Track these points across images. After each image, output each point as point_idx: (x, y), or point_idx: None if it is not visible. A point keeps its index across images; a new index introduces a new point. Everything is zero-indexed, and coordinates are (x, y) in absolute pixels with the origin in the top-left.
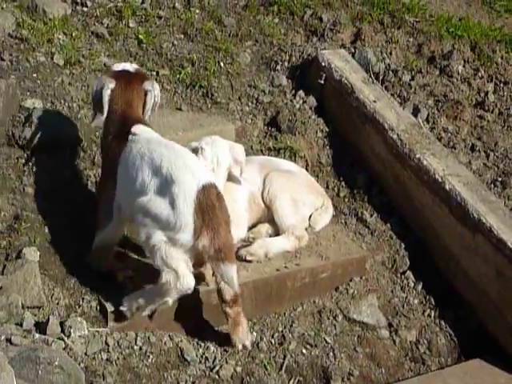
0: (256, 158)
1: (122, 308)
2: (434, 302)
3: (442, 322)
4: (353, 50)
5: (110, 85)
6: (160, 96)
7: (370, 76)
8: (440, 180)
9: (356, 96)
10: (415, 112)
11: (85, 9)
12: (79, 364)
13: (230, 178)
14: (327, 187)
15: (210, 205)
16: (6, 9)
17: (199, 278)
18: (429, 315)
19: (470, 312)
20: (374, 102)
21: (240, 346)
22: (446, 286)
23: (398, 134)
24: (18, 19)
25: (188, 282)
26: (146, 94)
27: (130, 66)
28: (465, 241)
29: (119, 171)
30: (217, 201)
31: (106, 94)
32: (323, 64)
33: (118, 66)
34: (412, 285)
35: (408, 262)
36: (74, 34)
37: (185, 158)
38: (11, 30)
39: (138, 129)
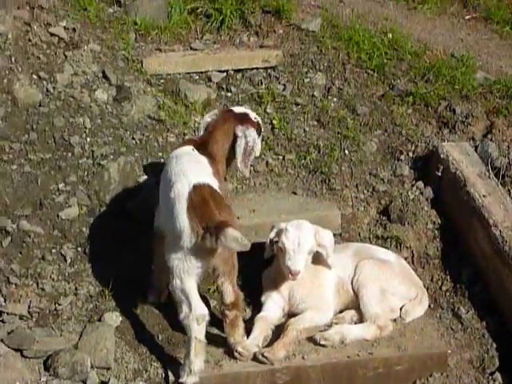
0: (352, 245)
1: (180, 380)
2: None
3: None
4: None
5: (212, 115)
6: (254, 144)
7: (488, 170)
8: None
9: (467, 190)
10: None
11: (229, 94)
12: None
13: (319, 262)
14: (431, 280)
15: (201, 201)
16: (148, 92)
17: (266, 358)
18: None
19: None
20: (484, 196)
21: (237, 348)
22: None
23: (500, 231)
24: (159, 102)
25: (201, 308)
26: (235, 138)
27: (246, 110)
28: None
29: None
30: (210, 196)
31: (204, 121)
32: (442, 156)
33: (239, 109)
34: None
35: (497, 363)
36: None
37: (183, 164)
38: (151, 112)
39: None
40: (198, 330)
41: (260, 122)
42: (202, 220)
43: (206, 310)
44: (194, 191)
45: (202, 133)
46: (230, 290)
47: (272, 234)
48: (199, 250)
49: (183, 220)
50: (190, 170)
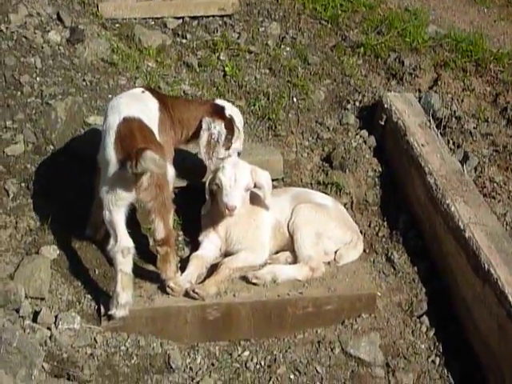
0: (291, 189)
1: (109, 312)
2: (441, 350)
3: (445, 371)
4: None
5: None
6: (220, 137)
7: (429, 121)
8: (462, 227)
9: (407, 139)
10: (464, 159)
11: (184, 41)
12: (62, 354)
13: (257, 203)
14: (369, 226)
15: (128, 133)
16: (102, 35)
17: (197, 294)
18: (433, 361)
19: (477, 365)
20: (422, 145)
21: (169, 283)
22: (458, 335)
23: (435, 179)
24: (112, 45)
25: (126, 241)
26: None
27: (226, 104)
28: (476, 291)
29: None
30: (138, 130)
31: None
32: (385, 106)
33: (220, 101)
34: (424, 330)
35: (425, 307)
36: (165, 63)
37: (121, 99)
38: (104, 55)
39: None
40: (124, 263)
41: (235, 118)
42: (125, 150)
43: (131, 243)
44: (122, 124)
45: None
46: (161, 227)
47: (210, 174)
48: (125, 182)
49: (110, 151)
50: (124, 105)
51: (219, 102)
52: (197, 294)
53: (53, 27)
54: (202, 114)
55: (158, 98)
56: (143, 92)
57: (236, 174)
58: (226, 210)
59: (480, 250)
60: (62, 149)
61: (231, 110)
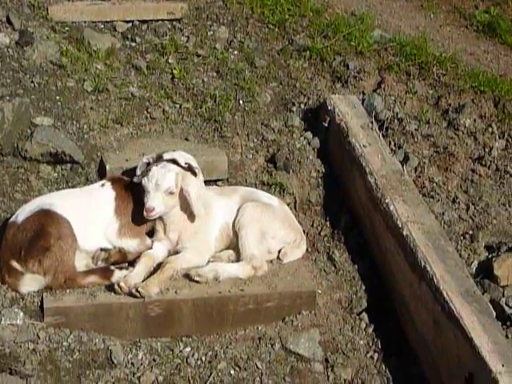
0: (240, 189)
1: None
2: (380, 346)
3: (383, 366)
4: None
5: (149, 157)
6: (198, 190)
7: (372, 122)
8: (400, 226)
9: (349, 140)
10: (405, 160)
11: (133, 44)
12: (5, 349)
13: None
14: (312, 225)
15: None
16: (51, 38)
17: (139, 293)
18: (371, 357)
19: (414, 359)
20: (364, 146)
21: (120, 282)
22: (396, 331)
23: (375, 179)
24: (62, 48)
25: None
26: None
27: (174, 154)
28: (413, 287)
29: None
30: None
31: (142, 162)
32: (329, 108)
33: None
34: (363, 326)
35: (365, 304)
36: (114, 66)
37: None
38: (53, 57)
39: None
40: None
41: (191, 163)
42: None
43: None
44: None
45: (138, 173)
46: None
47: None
48: None
49: None
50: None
51: (167, 155)
52: (139, 292)
53: (2, 30)
54: None
55: (118, 187)
56: (102, 185)
57: (158, 178)
58: (145, 212)
59: (417, 248)
60: (8, 149)
61: (183, 157)
